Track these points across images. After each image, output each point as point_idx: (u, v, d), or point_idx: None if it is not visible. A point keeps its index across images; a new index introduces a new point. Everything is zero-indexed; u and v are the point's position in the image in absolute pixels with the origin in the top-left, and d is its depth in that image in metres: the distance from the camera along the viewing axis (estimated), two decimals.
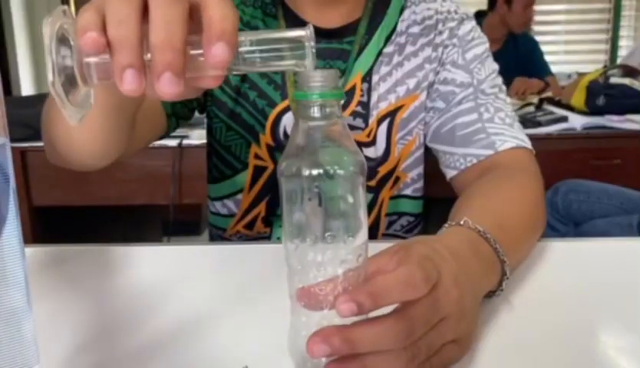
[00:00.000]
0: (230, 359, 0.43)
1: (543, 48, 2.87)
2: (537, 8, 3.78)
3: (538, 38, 3.63)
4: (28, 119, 1.82)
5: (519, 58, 2.60)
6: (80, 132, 0.55)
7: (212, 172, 0.87)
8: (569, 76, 3.15)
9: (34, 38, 3.59)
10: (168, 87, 0.32)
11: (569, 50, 3.86)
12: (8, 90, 3.20)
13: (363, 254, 0.37)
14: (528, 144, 0.74)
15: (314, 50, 0.35)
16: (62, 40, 0.34)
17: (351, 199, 0.37)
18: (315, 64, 0.36)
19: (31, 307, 0.36)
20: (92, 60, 0.34)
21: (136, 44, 0.32)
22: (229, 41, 0.32)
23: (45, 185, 1.82)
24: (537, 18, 3.82)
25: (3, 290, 0.34)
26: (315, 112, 0.36)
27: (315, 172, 0.35)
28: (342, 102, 0.78)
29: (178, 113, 0.76)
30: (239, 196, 0.83)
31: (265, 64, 0.36)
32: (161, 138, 0.78)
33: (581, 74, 2.31)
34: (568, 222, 1.56)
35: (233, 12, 0.33)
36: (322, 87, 0.35)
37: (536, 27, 3.83)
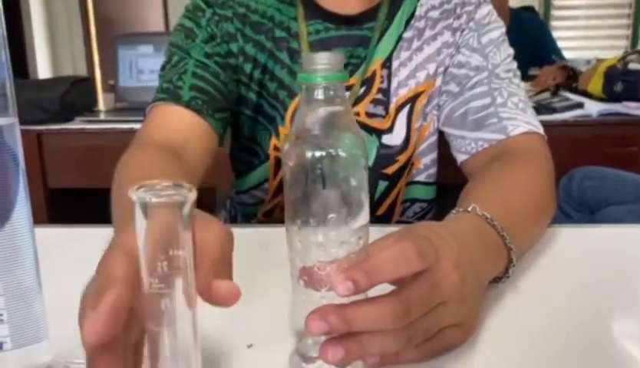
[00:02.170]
0: (235, 338, 0.44)
1: (563, 33, 2.80)
2: None
3: (557, 23, 3.57)
4: (44, 102, 1.84)
5: (527, 41, 2.53)
6: None
7: (238, 166, 0.86)
8: (589, 61, 3.09)
9: (51, 22, 3.62)
10: None
11: (588, 36, 3.79)
12: (24, 73, 3.24)
13: (363, 236, 0.37)
14: (540, 129, 0.73)
15: None
16: None
17: (353, 182, 0.37)
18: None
19: (41, 285, 0.37)
20: None
21: None
22: None
23: (60, 168, 1.85)
24: (556, 2, 3.76)
25: (14, 269, 0.35)
26: (319, 94, 0.36)
27: (318, 154, 0.36)
28: (360, 92, 0.78)
29: (225, 126, 0.77)
30: (266, 185, 0.82)
31: None
32: None
33: (600, 60, 2.26)
34: (582, 210, 1.55)
35: None
36: (327, 69, 0.36)
37: (555, 12, 3.77)
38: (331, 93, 0.36)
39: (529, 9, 3.00)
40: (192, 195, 0.28)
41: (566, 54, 2.73)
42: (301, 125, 0.37)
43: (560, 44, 2.78)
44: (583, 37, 3.78)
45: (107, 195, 0.59)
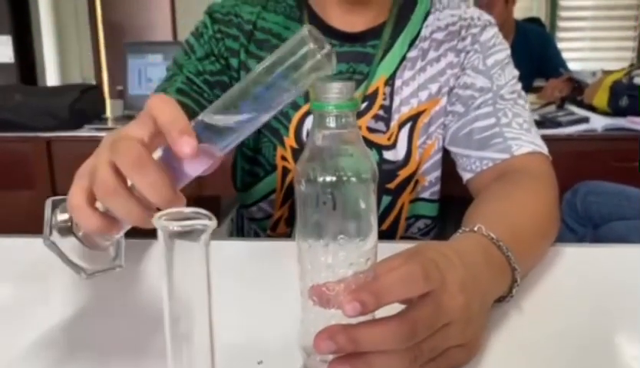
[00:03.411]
0: (245, 354, 0.45)
1: (569, 44, 2.80)
2: (563, 3, 3.73)
3: (563, 34, 3.58)
4: (54, 109, 1.86)
5: (532, 53, 2.54)
6: None
7: (242, 179, 0.88)
8: (594, 73, 3.09)
9: (59, 29, 3.65)
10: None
11: (594, 47, 3.79)
12: (33, 81, 3.27)
13: (372, 257, 0.39)
14: (544, 150, 0.74)
15: (325, 52, 0.37)
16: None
17: (363, 205, 0.38)
18: (334, 63, 0.38)
19: None
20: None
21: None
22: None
23: (69, 175, 1.86)
24: (563, 13, 3.77)
25: None
26: (331, 122, 0.38)
27: (329, 178, 0.37)
28: (361, 108, 0.79)
29: None
30: (273, 196, 0.84)
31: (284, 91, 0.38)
32: None
33: (606, 72, 2.27)
34: (586, 224, 1.55)
35: None
36: (339, 98, 0.37)
37: (561, 24, 3.78)
38: (343, 120, 0.38)
39: (535, 20, 3.01)
40: (213, 224, 0.29)
41: (572, 65, 2.74)
42: (314, 149, 0.38)
43: (566, 55, 2.79)
44: (589, 49, 3.78)
45: None
